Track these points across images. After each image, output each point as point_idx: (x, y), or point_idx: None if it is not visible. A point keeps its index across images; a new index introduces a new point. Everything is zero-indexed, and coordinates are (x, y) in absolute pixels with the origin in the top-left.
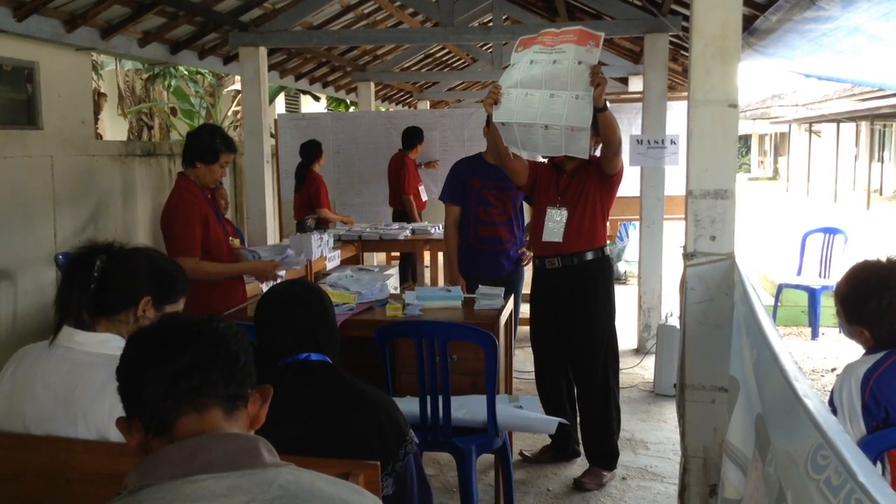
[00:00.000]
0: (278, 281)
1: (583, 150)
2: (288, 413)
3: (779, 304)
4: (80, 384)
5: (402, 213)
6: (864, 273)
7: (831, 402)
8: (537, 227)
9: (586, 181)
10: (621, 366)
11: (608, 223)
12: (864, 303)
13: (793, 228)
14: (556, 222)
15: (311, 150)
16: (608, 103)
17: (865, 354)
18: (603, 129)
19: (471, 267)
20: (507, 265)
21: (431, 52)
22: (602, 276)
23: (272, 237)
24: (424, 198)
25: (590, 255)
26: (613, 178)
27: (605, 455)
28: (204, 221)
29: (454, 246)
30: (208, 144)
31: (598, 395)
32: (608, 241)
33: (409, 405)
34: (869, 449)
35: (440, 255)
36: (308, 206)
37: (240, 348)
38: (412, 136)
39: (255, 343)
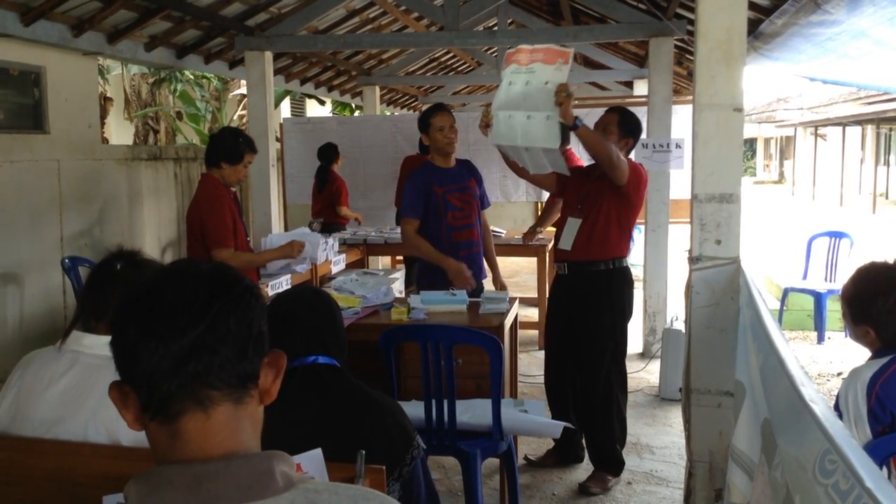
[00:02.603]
0: (300, 265)
1: (563, 168)
2: (294, 416)
3: (784, 308)
4: (89, 386)
5: None
6: (872, 273)
7: (837, 407)
8: (557, 233)
9: (603, 191)
10: (627, 370)
11: (630, 237)
12: (871, 301)
13: (798, 232)
14: (568, 230)
15: (329, 153)
16: (579, 119)
17: (871, 359)
18: (584, 145)
19: (446, 278)
20: (481, 271)
21: (436, 56)
22: (609, 287)
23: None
24: None
25: (599, 266)
26: (624, 190)
27: (607, 461)
28: (232, 217)
29: (426, 243)
30: (232, 145)
31: (599, 404)
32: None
33: (414, 409)
34: (875, 453)
35: None
36: (331, 205)
37: (254, 314)
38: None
39: None
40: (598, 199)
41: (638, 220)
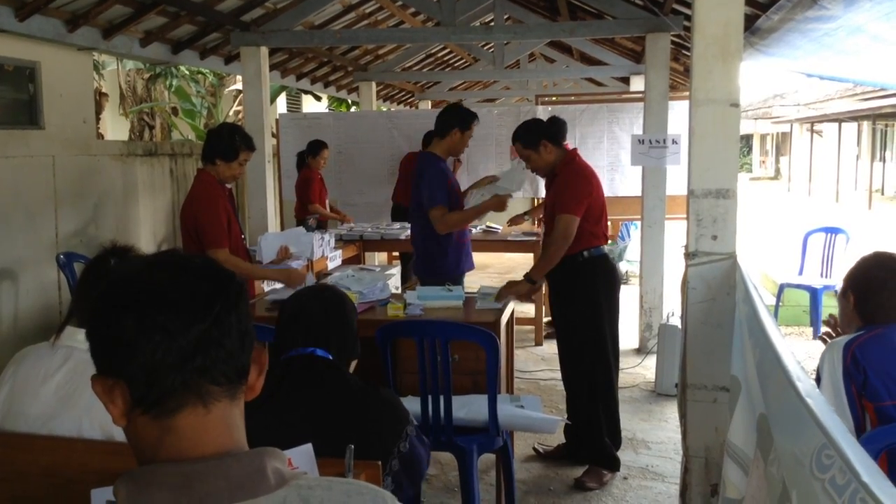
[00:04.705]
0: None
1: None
2: (287, 406)
3: (780, 303)
4: (84, 382)
5: (404, 210)
6: (880, 253)
7: (818, 379)
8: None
9: (551, 200)
10: (623, 366)
11: (602, 224)
12: (867, 271)
13: (794, 228)
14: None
15: (308, 147)
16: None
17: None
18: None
19: (456, 265)
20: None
21: (433, 51)
22: (580, 279)
23: None
24: None
25: (568, 260)
26: None
27: (600, 457)
28: (227, 215)
29: (460, 212)
30: (228, 142)
31: (584, 398)
32: (609, 242)
33: (410, 405)
34: (870, 444)
35: None
36: (301, 199)
37: (246, 310)
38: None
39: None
40: (550, 208)
41: (634, 217)
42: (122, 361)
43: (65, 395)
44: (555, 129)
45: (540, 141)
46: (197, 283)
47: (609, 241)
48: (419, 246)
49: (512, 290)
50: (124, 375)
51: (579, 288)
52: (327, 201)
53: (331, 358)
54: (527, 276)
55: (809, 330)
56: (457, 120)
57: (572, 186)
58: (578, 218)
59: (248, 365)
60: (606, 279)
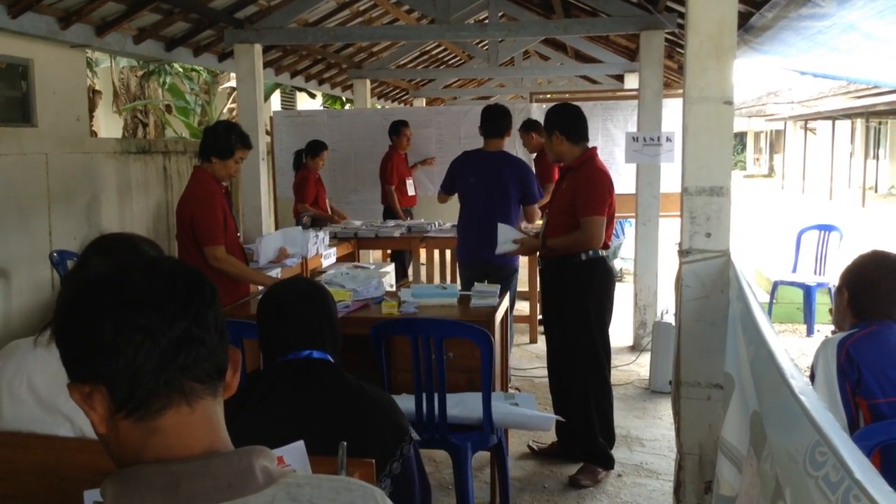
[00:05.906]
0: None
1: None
2: (286, 411)
3: (774, 301)
4: (66, 388)
5: (390, 210)
6: (877, 251)
7: (812, 376)
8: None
9: (566, 195)
10: (617, 363)
11: (609, 229)
12: (861, 269)
13: (788, 225)
14: (542, 227)
15: (308, 147)
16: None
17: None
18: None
19: None
20: None
21: (427, 49)
22: (576, 280)
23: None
24: (412, 192)
25: (566, 259)
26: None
27: (591, 454)
28: (222, 213)
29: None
30: (224, 140)
31: (577, 397)
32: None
33: (404, 403)
34: (863, 442)
35: (436, 252)
36: (297, 199)
37: (220, 306)
38: (389, 131)
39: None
40: (560, 200)
41: (628, 214)
42: (102, 365)
43: (46, 400)
44: (565, 119)
45: (553, 131)
46: (172, 282)
47: None
48: None
49: (524, 242)
50: (104, 380)
51: (575, 288)
52: (326, 200)
53: (328, 358)
54: (545, 240)
55: (803, 327)
56: (509, 120)
57: (600, 188)
58: (605, 219)
59: (226, 362)
60: (603, 280)
